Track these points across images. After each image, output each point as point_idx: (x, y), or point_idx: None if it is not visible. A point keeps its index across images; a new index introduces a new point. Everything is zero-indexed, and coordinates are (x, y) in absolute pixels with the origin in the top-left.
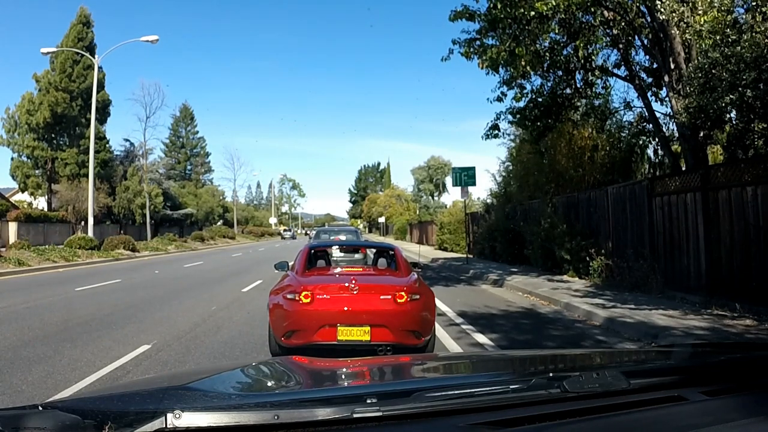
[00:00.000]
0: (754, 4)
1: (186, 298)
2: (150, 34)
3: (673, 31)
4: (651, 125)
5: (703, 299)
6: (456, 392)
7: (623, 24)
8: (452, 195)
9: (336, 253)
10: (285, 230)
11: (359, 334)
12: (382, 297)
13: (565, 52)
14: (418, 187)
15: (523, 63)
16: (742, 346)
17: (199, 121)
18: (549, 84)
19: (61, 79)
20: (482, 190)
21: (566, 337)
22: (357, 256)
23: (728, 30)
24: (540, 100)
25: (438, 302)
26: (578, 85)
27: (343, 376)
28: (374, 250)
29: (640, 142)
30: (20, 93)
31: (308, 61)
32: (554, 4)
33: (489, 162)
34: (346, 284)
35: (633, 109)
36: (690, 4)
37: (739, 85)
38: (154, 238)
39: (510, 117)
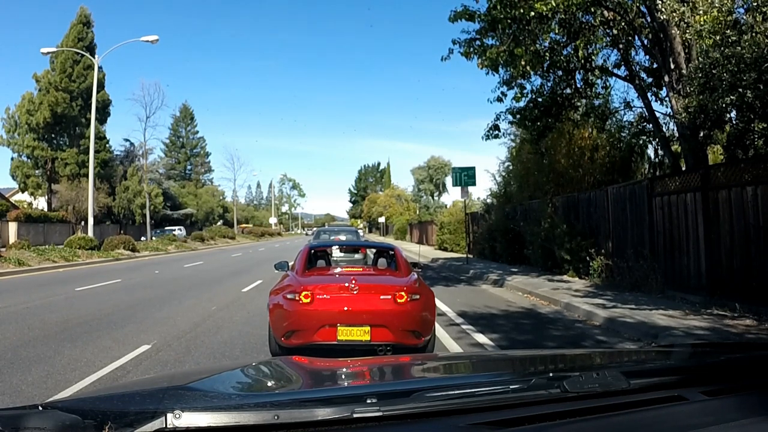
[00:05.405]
0: (754, 4)
1: (186, 298)
2: (150, 34)
3: (673, 31)
4: (651, 125)
5: (703, 299)
6: (456, 392)
7: (623, 24)
8: (452, 195)
9: (336, 253)
10: (307, 229)
11: (359, 334)
12: (382, 297)
13: (565, 52)
14: (418, 187)
15: (523, 63)
16: (742, 346)
17: (199, 121)
18: (549, 84)
19: (61, 79)
20: (482, 190)
21: (566, 337)
22: (357, 256)
23: (728, 30)
24: (540, 100)
25: (438, 302)
26: (578, 85)
27: (343, 376)
28: (374, 250)
29: (640, 142)
30: (20, 93)
31: (308, 61)
32: (554, 4)
33: (489, 162)
34: (346, 284)
35: (633, 109)
36: (690, 4)
37: (740, 86)
38: (154, 238)
39: (510, 117)
